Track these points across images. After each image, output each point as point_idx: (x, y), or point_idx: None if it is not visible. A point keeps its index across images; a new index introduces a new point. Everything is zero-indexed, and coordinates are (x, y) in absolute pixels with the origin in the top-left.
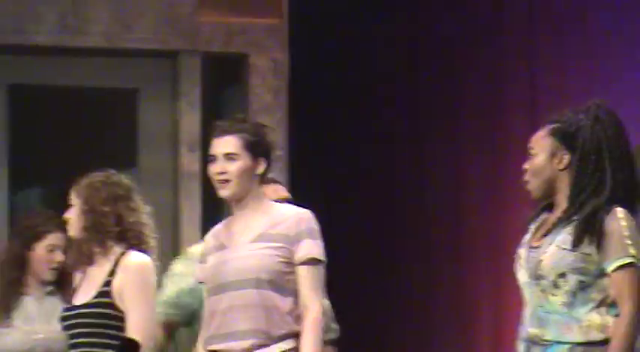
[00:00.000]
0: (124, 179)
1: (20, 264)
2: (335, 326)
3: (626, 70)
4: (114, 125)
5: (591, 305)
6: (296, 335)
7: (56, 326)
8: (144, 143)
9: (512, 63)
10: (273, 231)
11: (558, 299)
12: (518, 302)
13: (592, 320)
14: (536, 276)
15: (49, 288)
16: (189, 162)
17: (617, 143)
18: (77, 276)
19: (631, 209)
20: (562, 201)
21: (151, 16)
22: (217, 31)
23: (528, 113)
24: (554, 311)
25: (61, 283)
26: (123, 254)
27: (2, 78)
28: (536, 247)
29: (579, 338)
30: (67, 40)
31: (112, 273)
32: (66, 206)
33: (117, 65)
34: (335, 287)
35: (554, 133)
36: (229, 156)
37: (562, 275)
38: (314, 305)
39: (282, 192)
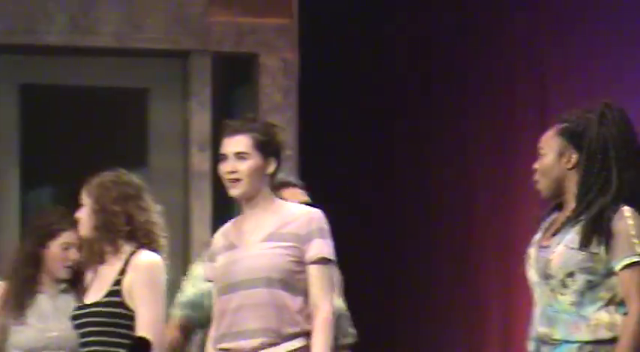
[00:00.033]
0: (135, 178)
1: (35, 262)
2: (352, 330)
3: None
4: (124, 125)
5: (600, 304)
6: (306, 334)
7: (70, 324)
8: (154, 143)
9: (522, 63)
10: (283, 230)
11: (567, 298)
12: (527, 301)
13: (600, 319)
14: (546, 276)
15: (63, 286)
16: (200, 161)
17: (624, 142)
18: (88, 275)
19: (638, 208)
20: (571, 201)
21: (161, 16)
22: (228, 31)
23: (538, 113)
24: (563, 310)
25: (75, 281)
26: (133, 253)
27: (13, 78)
28: (545, 247)
29: (588, 337)
30: (77, 40)
31: (122, 272)
32: (77, 205)
33: (127, 65)
34: (347, 288)
35: (562, 133)
36: (240, 156)
37: (570, 274)
38: (324, 304)
39: (302, 195)
